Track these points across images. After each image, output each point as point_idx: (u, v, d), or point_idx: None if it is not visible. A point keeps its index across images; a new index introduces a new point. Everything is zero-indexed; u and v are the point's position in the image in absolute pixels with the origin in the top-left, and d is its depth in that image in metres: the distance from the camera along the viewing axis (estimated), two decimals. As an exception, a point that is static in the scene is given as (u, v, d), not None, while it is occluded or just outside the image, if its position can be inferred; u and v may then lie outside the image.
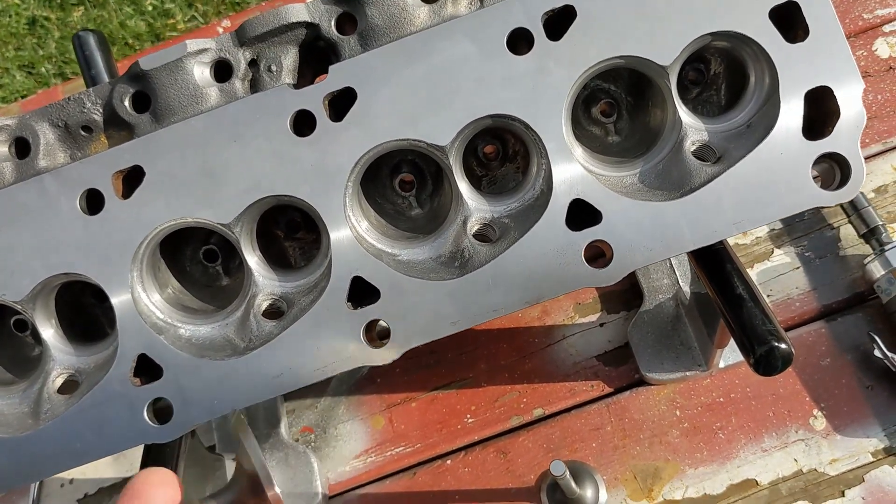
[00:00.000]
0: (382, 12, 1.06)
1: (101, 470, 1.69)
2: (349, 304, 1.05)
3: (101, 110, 1.11)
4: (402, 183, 1.21)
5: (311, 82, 1.10)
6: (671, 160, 1.08)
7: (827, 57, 1.01)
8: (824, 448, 1.44)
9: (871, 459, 1.42)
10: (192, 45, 1.07)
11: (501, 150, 1.20)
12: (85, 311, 1.22)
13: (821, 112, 1.02)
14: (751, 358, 1.02)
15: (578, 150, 1.06)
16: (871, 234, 1.50)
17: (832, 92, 1.01)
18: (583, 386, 1.58)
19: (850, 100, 1.00)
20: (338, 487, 1.59)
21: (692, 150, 1.07)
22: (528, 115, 1.03)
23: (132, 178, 1.07)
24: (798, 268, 1.58)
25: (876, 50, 1.72)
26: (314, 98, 1.05)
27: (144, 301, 1.09)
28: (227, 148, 1.06)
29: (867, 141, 1.64)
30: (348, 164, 1.04)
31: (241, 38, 1.08)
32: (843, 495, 1.41)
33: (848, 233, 1.58)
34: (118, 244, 1.07)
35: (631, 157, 1.12)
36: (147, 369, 1.07)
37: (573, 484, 1.34)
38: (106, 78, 1.38)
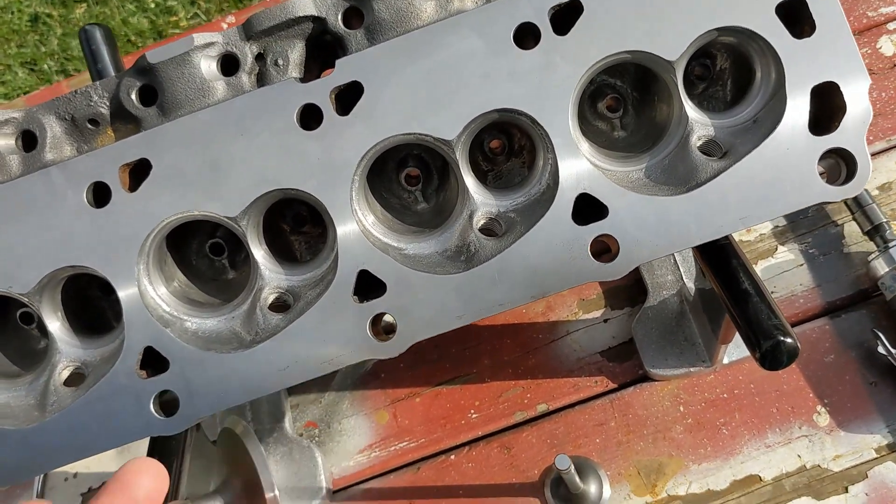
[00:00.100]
0: (389, 6, 1.06)
1: (105, 464, 1.70)
2: (355, 297, 1.05)
3: (107, 104, 1.11)
4: (408, 177, 1.21)
5: (318, 76, 1.11)
6: (677, 155, 1.08)
7: (833, 52, 1.01)
8: (828, 444, 1.45)
9: (875, 456, 1.42)
10: (199, 38, 1.07)
11: (507, 145, 1.20)
12: (91, 303, 1.22)
13: (827, 107, 1.02)
14: (756, 352, 1.02)
15: (585, 145, 1.07)
16: (876, 231, 1.50)
17: (838, 87, 1.01)
18: (587, 382, 1.58)
19: (857, 95, 1.00)
20: (342, 482, 1.60)
21: (698, 145, 1.07)
22: (534, 109, 1.03)
23: (139, 172, 1.08)
24: (802, 265, 1.58)
25: (880, 47, 1.72)
26: (321, 92, 1.05)
27: (151, 294, 1.09)
28: (233, 141, 1.06)
29: (871, 138, 1.64)
30: (355, 158, 1.05)
31: (248, 32, 1.08)
32: (847, 491, 1.41)
33: (852, 230, 1.58)
34: (125, 237, 1.07)
35: (637, 152, 1.13)
36: (153, 362, 1.08)
37: (577, 479, 1.35)
38: (112, 72, 1.38)
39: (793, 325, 1.53)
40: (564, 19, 1.03)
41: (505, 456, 1.55)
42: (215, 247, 1.23)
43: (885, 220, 1.49)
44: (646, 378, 1.56)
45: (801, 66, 1.01)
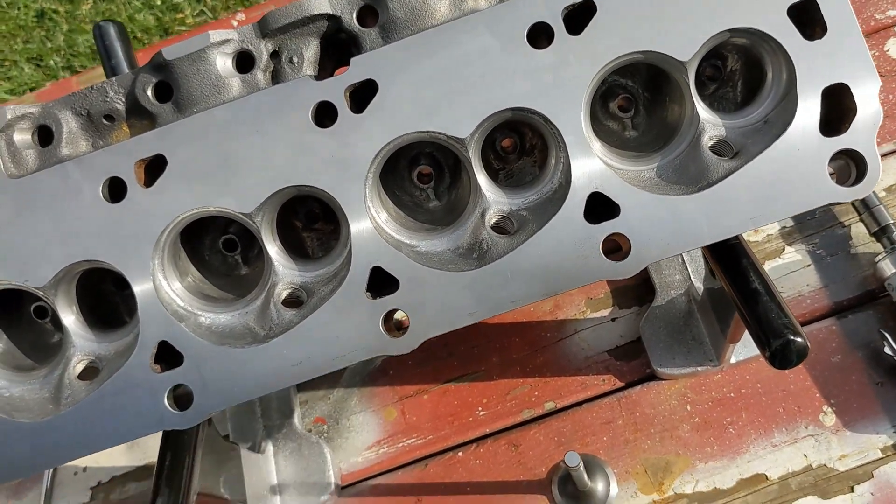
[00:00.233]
0: (404, 5, 1.07)
1: (115, 458, 1.71)
2: (368, 293, 1.06)
3: (123, 99, 1.12)
4: (421, 175, 1.22)
5: (332, 74, 1.11)
6: (689, 155, 1.09)
7: (844, 54, 1.02)
8: (834, 444, 1.45)
9: (881, 455, 1.43)
10: (215, 35, 1.08)
11: (519, 144, 1.21)
12: (105, 298, 1.23)
13: (837, 109, 1.03)
14: (766, 351, 1.02)
15: (597, 145, 1.07)
16: (883, 233, 1.51)
17: (849, 89, 1.01)
18: (594, 380, 1.59)
19: (867, 97, 1.01)
20: (350, 478, 1.61)
21: (709, 145, 1.08)
22: (547, 108, 1.04)
23: (154, 167, 1.09)
24: (809, 265, 1.59)
25: (888, 50, 1.73)
26: (336, 90, 1.06)
27: (165, 289, 1.10)
28: (248, 138, 1.07)
29: (879, 140, 1.64)
30: (369, 156, 1.05)
31: (264, 29, 1.09)
32: (853, 491, 1.42)
33: (859, 231, 1.59)
34: (140, 232, 1.08)
35: (648, 151, 1.13)
36: (167, 356, 1.08)
37: (585, 476, 1.35)
38: (126, 68, 1.39)
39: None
40: (578, 19, 1.04)
41: (512, 453, 1.56)
42: (228, 242, 1.24)
43: (892, 221, 1.50)
44: (653, 377, 1.57)
45: (813, 67, 1.02)
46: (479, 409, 1.61)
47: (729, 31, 1.03)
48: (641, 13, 1.03)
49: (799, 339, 1.01)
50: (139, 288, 1.08)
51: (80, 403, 1.09)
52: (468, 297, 1.05)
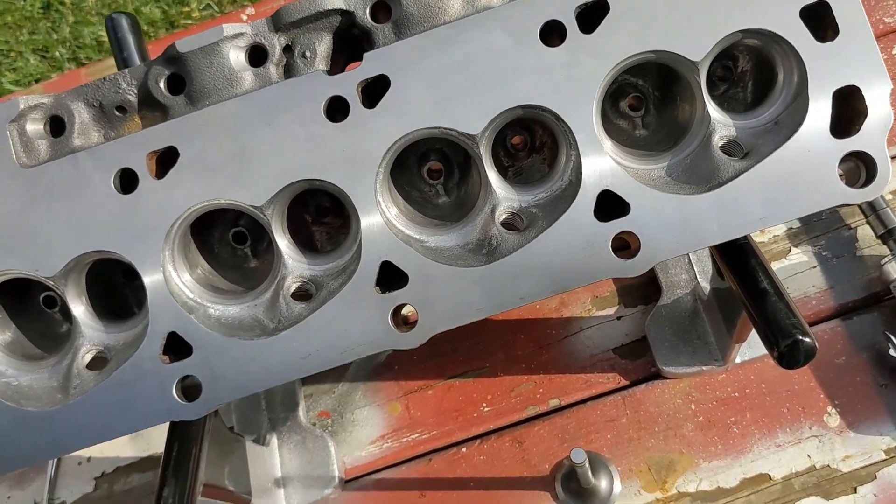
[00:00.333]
0: (417, 1, 1.07)
1: (119, 449, 1.71)
2: (377, 288, 1.06)
3: (135, 91, 1.13)
4: (430, 171, 1.23)
5: (344, 70, 1.11)
6: (699, 154, 1.09)
7: (856, 57, 1.02)
8: (837, 445, 1.46)
9: (884, 457, 1.44)
10: (229, 29, 1.09)
11: (529, 141, 1.21)
12: (114, 289, 1.24)
13: (848, 111, 1.03)
14: (774, 351, 1.03)
15: (607, 143, 1.08)
16: (889, 236, 1.51)
17: (860, 91, 1.02)
18: (599, 378, 1.59)
19: (878, 100, 1.02)
20: (354, 472, 1.61)
21: (720, 145, 1.08)
22: (559, 106, 1.04)
23: (166, 159, 1.09)
24: (815, 267, 1.59)
25: (896, 53, 1.74)
26: (348, 85, 1.06)
27: (175, 280, 1.10)
28: (260, 131, 1.07)
29: (888, 143, 1.64)
30: (380, 151, 1.06)
31: (277, 23, 1.09)
32: (856, 492, 1.43)
33: (865, 233, 1.59)
34: (151, 223, 1.08)
35: (658, 150, 1.14)
36: (176, 347, 1.09)
37: (590, 473, 1.36)
38: (137, 60, 1.39)
39: (805, 327, 1.54)
40: (590, 18, 1.04)
41: (516, 449, 1.56)
42: (238, 235, 1.24)
43: (898, 224, 1.50)
44: (658, 375, 1.57)
45: (824, 69, 1.02)
46: (484, 405, 1.61)
47: (741, 31, 1.03)
48: (654, 13, 1.03)
49: (807, 340, 1.01)
50: (149, 279, 1.08)
51: (89, 393, 1.09)
52: (477, 293, 1.05)
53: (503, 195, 1.11)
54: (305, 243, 1.20)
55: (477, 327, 1.39)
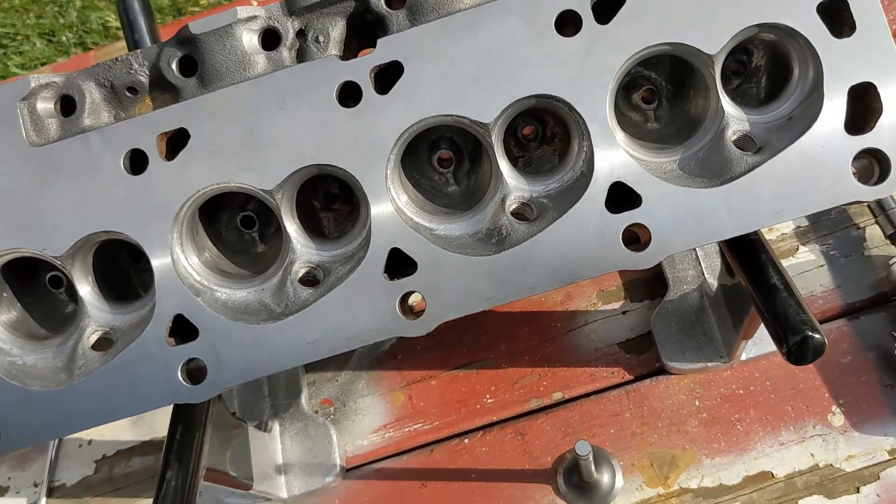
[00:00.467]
0: (432, -12, 1.07)
1: (120, 432, 1.71)
2: (386, 275, 1.06)
3: (147, 72, 1.12)
4: (441, 160, 1.22)
5: (357, 55, 1.11)
6: (712, 148, 1.09)
7: (872, 53, 1.01)
8: (841, 444, 1.45)
9: (888, 458, 1.43)
10: (242, 11, 1.08)
11: (540, 132, 1.20)
12: (120, 270, 1.24)
13: (863, 108, 1.03)
14: (784, 347, 1.02)
15: (620, 135, 1.07)
16: (898, 236, 1.51)
17: (876, 89, 1.01)
18: (603, 372, 1.59)
19: (894, 97, 1.01)
20: (355, 461, 1.61)
21: (733, 139, 1.08)
22: (572, 96, 1.04)
23: (176, 141, 1.09)
24: (822, 265, 1.59)
25: (909, 53, 1.73)
26: (361, 70, 1.06)
27: (183, 263, 1.10)
28: (272, 115, 1.07)
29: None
30: (392, 137, 1.05)
31: (291, 7, 1.09)
32: (858, 491, 1.42)
33: (874, 233, 1.58)
34: (160, 205, 1.08)
35: (671, 143, 1.13)
36: (182, 330, 1.09)
37: (593, 467, 1.36)
38: (148, 42, 1.39)
39: (811, 325, 1.54)
40: (606, 8, 1.04)
41: (519, 442, 1.56)
42: (246, 219, 1.24)
43: (907, 224, 1.50)
44: (662, 371, 1.57)
45: (840, 65, 1.02)
46: (487, 396, 1.61)
47: (757, 25, 1.03)
48: (670, 5, 1.03)
49: (817, 336, 1.01)
50: (157, 261, 1.08)
51: (94, 374, 1.09)
52: (486, 282, 1.05)
53: (514, 184, 1.10)
54: (314, 229, 1.20)
55: (481, 319, 1.39)
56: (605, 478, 1.46)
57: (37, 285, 1.24)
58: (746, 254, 1.12)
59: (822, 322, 1.54)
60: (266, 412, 1.63)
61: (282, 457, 1.58)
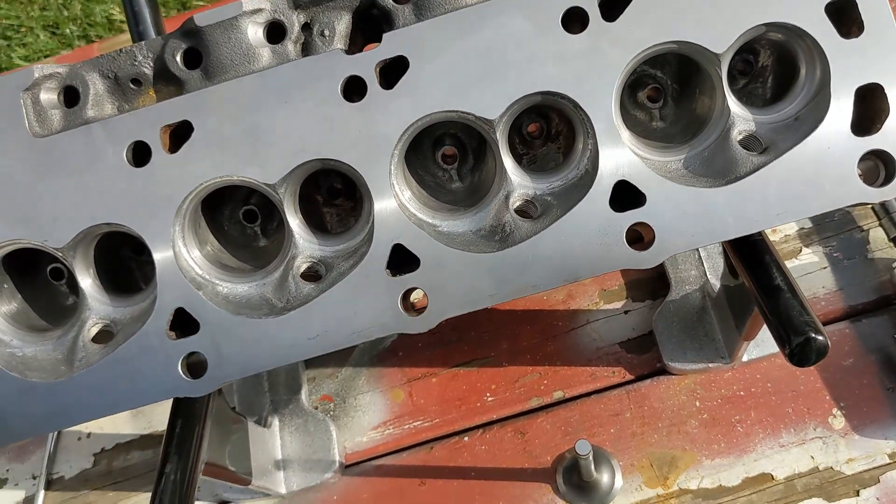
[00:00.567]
0: (439, -17, 1.06)
1: (119, 425, 1.71)
2: (388, 271, 1.06)
3: (151, 64, 1.12)
4: (444, 156, 1.22)
5: (362, 50, 1.11)
6: (717, 148, 1.08)
7: (880, 54, 1.01)
8: (841, 447, 1.45)
9: (888, 461, 1.43)
10: (248, 4, 1.08)
11: (545, 129, 1.20)
12: (122, 263, 1.23)
13: (870, 109, 1.03)
14: (786, 348, 1.02)
15: (625, 133, 1.07)
16: (902, 239, 1.51)
17: (883, 90, 1.01)
18: (604, 371, 1.58)
19: (901, 99, 1.01)
20: (354, 457, 1.61)
21: (739, 139, 1.07)
22: (578, 94, 1.03)
23: (180, 133, 1.08)
24: (825, 267, 1.59)
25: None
26: (366, 65, 1.05)
27: (185, 256, 1.10)
28: (276, 109, 1.06)
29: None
30: (396, 133, 1.05)
31: (296, 1, 1.08)
32: (858, 495, 1.42)
33: (877, 236, 1.58)
34: (162, 198, 1.08)
35: (676, 142, 1.13)
36: (183, 324, 1.08)
37: (592, 467, 1.35)
38: (153, 34, 1.39)
39: (813, 327, 1.54)
40: (613, 6, 1.03)
41: (518, 440, 1.56)
42: (249, 213, 1.24)
43: (911, 227, 1.49)
44: (663, 371, 1.56)
45: (847, 66, 1.01)
46: (488, 394, 1.60)
47: (765, 25, 1.02)
48: (677, 3, 1.02)
49: (820, 338, 1.00)
50: (158, 254, 1.08)
51: (94, 366, 1.09)
52: (489, 280, 1.05)
53: (518, 182, 1.10)
54: (316, 224, 1.19)
55: (483, 316, 1.38)
56: (604, 478, 1.45)
57: (38, 277, 1.23)
58: (750, 254, 1.12)
59: (824, 324, 1.52)
60: (266, 407, 1.62)
61: (281, 452, 1.58)
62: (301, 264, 1.11)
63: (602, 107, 1.03)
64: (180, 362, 1.07)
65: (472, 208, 1.12)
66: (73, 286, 1.17)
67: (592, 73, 1.03)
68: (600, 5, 1.03)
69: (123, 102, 1.13)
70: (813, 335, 1.00)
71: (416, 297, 1.07)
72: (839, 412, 1.47)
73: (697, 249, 1.56)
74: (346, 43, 1.10)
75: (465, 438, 1.58)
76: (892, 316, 1.52)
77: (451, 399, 1.61)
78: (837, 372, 1.50)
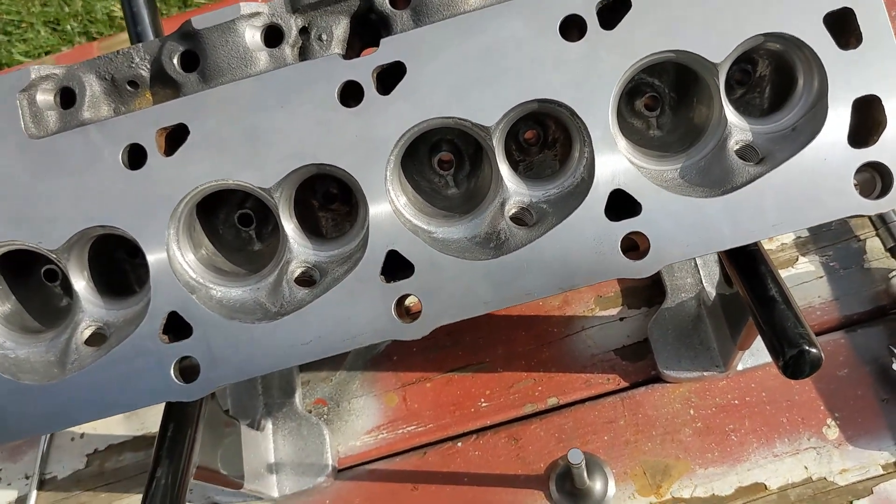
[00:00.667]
0: (437, -11, 1.06)
1: (113, 427, 1.70)
2: (382, 277, 1.06)
3: (148, 66, 1.11)
4: (441, 162, 1.22)
5: (359, 55, 1.11)
6: (714, 158, 1.08)
7: (878, 66, 1.01)
8: (835, 457, 1.45)
9: (882, 472, 1.43)
10: (246, 7, 1.08)
11: (542, 136, 1.20)
12: (116, 266, 1.23)
13: (867, 120, 1.02)
14: (780, 360, 1.02)
15: (622, 142, 1.07)
16: (898, 249, 1.50)
17: (881, 102, 1.01)
18: (599, 378, 1.58)
19: (898, 111, 1.01)
20: (347, 461, 1.60)
21: (735, 149, 1.07)
22: (575, 102, 1.03)
23: (176, 136, 1.08)
24: (822, 277, 1.58)
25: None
26: (363, 70, 1.05)
27: (179, 259, 1.09)
28: (273, 113, 1.06)
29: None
30: (392, 138, 1.05)
31: (295, 4, 1.08)
32: (851, 505, 1.42)
33: (874, 245, 1.58)
34: (158, 201, 1.07)
35: (672, 151, 1.13)
36: (176, 327, 1.08)
37: (585, 474, 1.35)
38: (151, 35, 1.38)
39: (809, 337, 1.53)
40: (612, 14, 1.03)
41: (512, 447, 1.55)
42: (243, 217, 1.23)
43: (908, 238, 1.49)
44: (658, 379, 1.56)
45: (845, 77, 1.01)
46: (482, 400, 1.60)
47: (763, 35, 1.02)
48: (676, 12, 1.02)
49: (814, 350, 1.00)
50: (153, 257, 1.07)
51: (86, 369, 1.08)
52: (483, 287, 1.04)
53: (514, 189, 1.10)
54: (311, 229, 1.19)
55: (478, 322, 1.38)
56: (597, 485, 1.45)
57: (32, 278, 1.23)
58: (745, 264, 1.11)
59: (819, 334, 1.54)
60: (259, 411, 1.62)
61: (274, 456, 1.58)
62: (295, 269, 1.11)
63: (599, 115, 1.03)
64: (173, 366, 1.06)
65: (467, 215, 1.12)
66: (68, 288, 1.17)
67: (590, 82, 1.03)
68: (598, 13, 1.03)
69: (120, 104, 1.13)
70: (807, 348, 1.00)
71: (410, 302, 1.07)
72: (833, 423, 1.47)
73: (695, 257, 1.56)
74: (343, 48, 1.10)
75: (459, 444, 1.58)
76: (887, 326, 1.52)
77: (446, 404, 1.61)
78: (832, 382, 1.49)
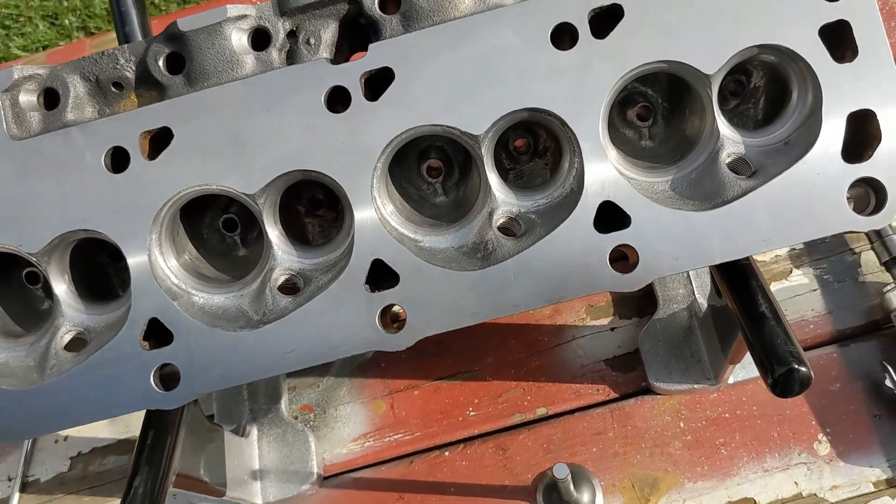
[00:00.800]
0: (427, -6, 1.04)
1: (97, 430, 1.69)
2: (367, 286, 1.04)
3: (133, 68, 1.10)
4: (430, 169, 1.20)
5: (348, 59, 1.09)
6: (705, 170, 1.06)
7: (874, 80, 0.99)
8: (826, 473, 1.43)
9: (872, 489, 1.41)
10: (233, 10, 1.06)
11: (532, 145, 1.18)
12: (98, 269, 1.21)
13: (862, 135, 1.01)
14: (769, 377, 1.00)
15: (612, 152, 1.05)
16: (893, 263, 1.49)
17: (875, 116, 0.99)
18: (588, 389, 1.56)
19: (893, 126, 0.99)
20: (333, 469, 1.59)
21: (727, 161, 1.06)
22: (565, 111, 1.02)
23: (160, 140, 1.06)
24: (815, 290, 1.57)
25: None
26: (351, 75, 1.04)
27: (161, 265, 1.08)
28: (258, 117, 1.04)
29: None
30: (379, 145, 1.03)
31: (283, 7, 1.07)
32: (841, 522, 1.40)
33: (869, 259, 1.56)
34: (140, 205, 1.06)
35: (664, 163, 1.11)
36: (157, 334, 1.06)
37: (572, 487, 1.33)
38: (139, 36, 1.37)
39: (801, 351, 1.52)
40: (604, 23, 1.02)
41: (499, 457, 1.54)
42: (228, 222, 1.22)
43: (903, 252, 1.48)
44: (648, 390, 1.54)
45: (840, 91, 1.00)
46: (470, 409, 1.58)
47: (757, 46, 1.00)
48: (669, 22, 1.00)
49: (803, 369, 0.98)
50: (134, 262, 1.06)
51: (65, 375, 1.07)
52: (470, 298, 1.03)
53: (502, 199, 1.08)
54: (297, 235, 1.18)
55: (468, 330, 1.36)
56: (584, 498, 1.43)
57: (13, 280, 1.22)
58: (736, 278, 1.10)
59: (811, 348, 1.52)
60: (245, 416, 1.60)
61: (258, 463, 1.56)
62: (279, 276, 1.09)
63: (589, 125, 1.02)
64: (153, 374, 1.05)
65: (455, 224, 1.10)
66: (49, 291, 1.15)
67: (580, 91, 1.01)
68: (590, 22, 1.01)
69: (104, 106, 1.11)
70: (796, 366, 0.98)
71: (397, 311, 1.05)
72: (825, 438, 1.45)
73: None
74: (331, 52, 1.08)
75: (446, 453, 1.56)
76: (880, 341, 1.50)
77: (433, 412, 1.60)
78: (824, 397, 1.48)
